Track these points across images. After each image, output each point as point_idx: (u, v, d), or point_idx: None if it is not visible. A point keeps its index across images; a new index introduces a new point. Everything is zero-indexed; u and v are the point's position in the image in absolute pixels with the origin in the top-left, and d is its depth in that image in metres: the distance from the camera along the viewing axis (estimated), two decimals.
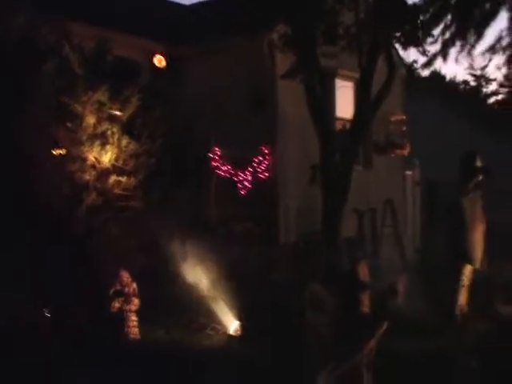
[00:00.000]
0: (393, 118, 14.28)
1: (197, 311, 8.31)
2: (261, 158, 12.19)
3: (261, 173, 12.17)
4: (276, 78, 12.04)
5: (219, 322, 8.26)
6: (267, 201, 12.19)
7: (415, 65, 16.54)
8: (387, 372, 5.67)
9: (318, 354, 5.36)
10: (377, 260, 11.10)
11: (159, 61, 13.06)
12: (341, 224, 10.29)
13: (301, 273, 9.11)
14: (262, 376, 6.19)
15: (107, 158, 9.54)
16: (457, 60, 8.19)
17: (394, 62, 11.04)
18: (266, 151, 12.22)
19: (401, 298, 8.86)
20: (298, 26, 10.26)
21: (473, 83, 38.86)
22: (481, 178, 7.82)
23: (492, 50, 7.51)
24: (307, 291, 5.94)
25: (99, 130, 9.52)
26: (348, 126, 12.00)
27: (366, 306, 6.57)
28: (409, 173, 16.20)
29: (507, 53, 7.42)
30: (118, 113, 9.82)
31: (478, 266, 7.60)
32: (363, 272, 6.73)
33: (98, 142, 9.46)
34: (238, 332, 8.17)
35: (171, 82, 12.13)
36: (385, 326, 5.55)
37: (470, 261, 7.64)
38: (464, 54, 8.00)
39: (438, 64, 10.16)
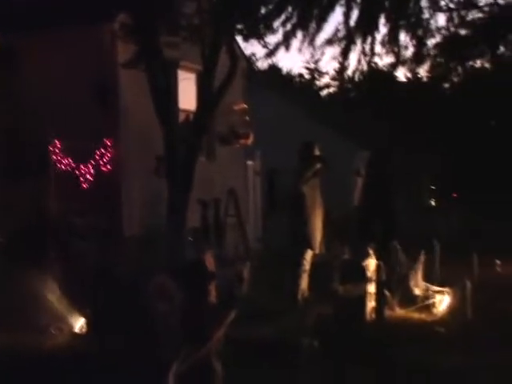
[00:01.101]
0: (236, 107, 14.39)
1: (38, 310, 7.93)
2: (103, 151, 11.86)
3: (103, 165, 11.86)
4: (118, 69, 11.71)
5: (63, 321, 7.95)
6: (110, 193, 11.90)
7: (255, 57, 16.82)
8: (236, 359, 5.69)
9: (168, 345, 5.29)
10: (221, 249, 11.19)
11: None
12: (186, 215, 10.25)
13: (146, 265, 9.00)
14: (107, 371, 6.00)
15: None
16: (300, 50, 8.38)
17: (237, 54, 11.12)
18: (109, 143, 11.92)
19: (246, 285, 9.05)
20: (140, 15, 10.08)
21: (307, 76, 40.42)
22: (319, 166, 8.13)
23: (330, 41, 7.79)
24: (153, 283, 5.87)
25: None
26: (191, 117, 12.00)
27: (213, 295, 6.64)
28: (250, 163, 16.46)
29: (342, 44, 7.73)
30: None
31: (317, 250, 7.92)
32: (209, 262, 6.78)
33: None
34: (84, 329, 7.92)
35: (4, 73, 11.51)
36: (233, 314, 5.58)
37: (311, 246, 7.92)
38: (304, 44, 8.22)
39: (276, 58, 10.39)
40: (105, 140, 11.90)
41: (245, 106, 14.90)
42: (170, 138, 10.41)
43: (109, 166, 11.86)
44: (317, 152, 8.18)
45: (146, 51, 10.23)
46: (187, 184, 10.38)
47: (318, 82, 40.44)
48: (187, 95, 13.56)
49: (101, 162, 11.84)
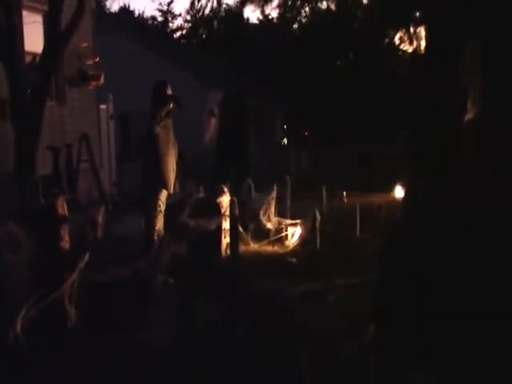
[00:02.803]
0: (83, 46, 13.87)
1: None
2: None
3: None
4: None
5: None
6: None
7: None
8: (90, 302, 5.64)
9: (17, 295, 5.12)
10: (74, 194, 10.89)
11: None
12: (35, 161, 9.83)
13: None
14: None
15: None
16: None
17: None
18: None
19: (100, 229, 8.88)
20: None
21: (160, 18, 39.60)
22: (171, 105, 7.98)
23: None
24: (1, 231, 5.60)
25: None
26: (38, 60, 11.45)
27: (65, 240, 6.42)
28: (103, 106, 15.97)
29: None
30: None
31: (171, 190, 7.85)
32: (60, 207, 6.53)
33: None
34: None
35: None
36: (86, 257, 5.46)
37: (165, 186, 7.83)
38: None
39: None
40: None
41: (92, 45, 14.41)
42: (15, 80, 9.85)
43: None
44: (169, 91, 7.97)
45: None
46: (35, 129, 9.92)
47: (171, 25, 39.85)
48: (34, 37, 12.90)
49: None
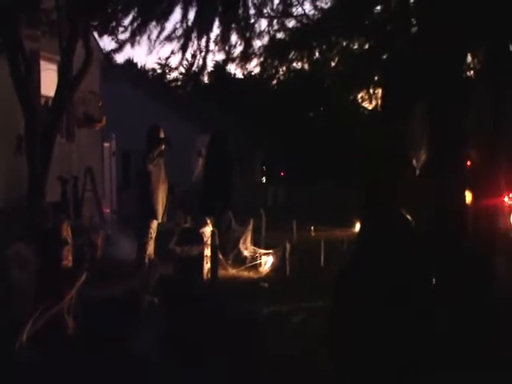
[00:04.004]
0: (90, 95, 13.99)
1: None
2: None
3: None
4: None
5: None
6: None
7: (106, 51, 16.32)
8: (87, 314, 5.58)
9: (24, 310, 5.06)
10: (79, 220, 10.82)
11: None
12: (45, 191, 9.79)
13: (5, 235, 8.53)
14: None
15: None
16: (150, 50, 8.26)
17: (91, 47, 10.71)
18: None
19: (100, 251, 8.81)
20: (1, 10, 9.45)
21: (159, 71, 39.88)
22: (163, 147, 8.04)
23: (169, 38, 7.74)
24: (11, 250, 5.57)
25: None
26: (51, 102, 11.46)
27: (68, 260, 6.39)
28: (106, 144, 16.07)
29: (180, 41, 7.74)
30: None
31: (160, 219, 7.87)
32: (64, 230, 6.52)
33: None
34: None
35: None
36: (84, 276, 5.43)
37: (155, 216, 7.85)
38: (149, 42, 8.12)
39: (131, 53, 10.18)
40: None
41: (98, 93, 14.56)
42: (30, 119, 9.85)
43: None
44: (162, 134, 8.01)
45: (7, 43, 9.65)
46: (46, 161, 9.90)
47: (168, 76, 40.17)
48: (49, 83, 12.90)
49: None
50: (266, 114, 30.84)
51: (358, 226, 11.09)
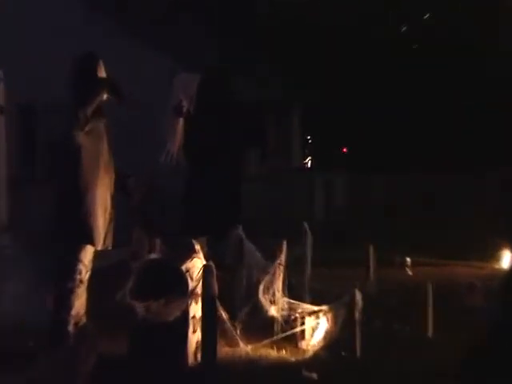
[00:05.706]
0: None
1: None
2: None
3: None
4: None
5: None
6: None
7: None
8: None
9: None
10: None
11: None
12: None
13: None
14: None
15: None
16: None
17: None
18: None
19: None
20: None
21: None
22: (105, 97, 5.33)
23: None
24: None
25: None
26: None
27: None
28: None
29: None
30: None
31: (100, 245, 5.27)
32: None
33: None
34: None
35: None
36: None
37: (91, 239, 5.23)
38: None
39: None
40: None
41: None
42: None
43: None
44: (102, 72, 5.38)
45: None
46: None
47: None
48: None
49: None
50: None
51: (505, 261, 9.07)
